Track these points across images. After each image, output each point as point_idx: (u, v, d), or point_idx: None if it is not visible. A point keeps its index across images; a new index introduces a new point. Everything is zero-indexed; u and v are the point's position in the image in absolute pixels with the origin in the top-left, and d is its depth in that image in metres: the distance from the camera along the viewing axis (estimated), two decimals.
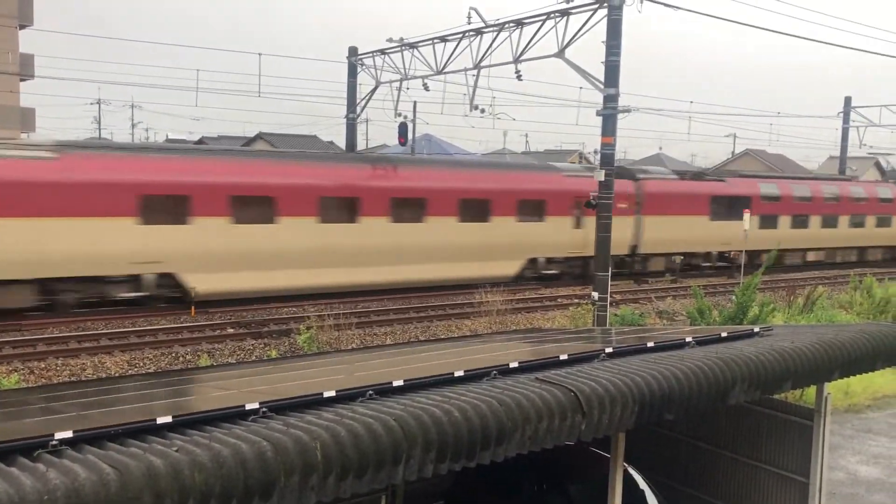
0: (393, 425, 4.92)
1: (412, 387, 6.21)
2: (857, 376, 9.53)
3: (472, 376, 6.59)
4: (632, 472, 9.15)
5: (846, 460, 14.35)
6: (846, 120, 46.95)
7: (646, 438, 10.07)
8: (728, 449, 10.16)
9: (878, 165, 78.70)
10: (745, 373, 7.26)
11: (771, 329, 9.97)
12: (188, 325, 20.54)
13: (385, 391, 6.02)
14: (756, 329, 9.59)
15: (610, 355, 7.65)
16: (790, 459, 9.58)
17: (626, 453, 8.18)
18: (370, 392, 5.90)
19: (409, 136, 35.69)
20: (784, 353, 7.78)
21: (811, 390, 9.64)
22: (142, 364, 17.26)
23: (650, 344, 8.24)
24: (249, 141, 55.79)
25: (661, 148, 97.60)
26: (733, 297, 20.62)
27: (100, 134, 72.76)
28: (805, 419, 9.46)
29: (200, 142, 56.79)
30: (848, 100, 47.12)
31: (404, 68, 27.63)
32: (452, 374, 6.55)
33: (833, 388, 9.63)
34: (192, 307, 21.60)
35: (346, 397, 5.81)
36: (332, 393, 5.78)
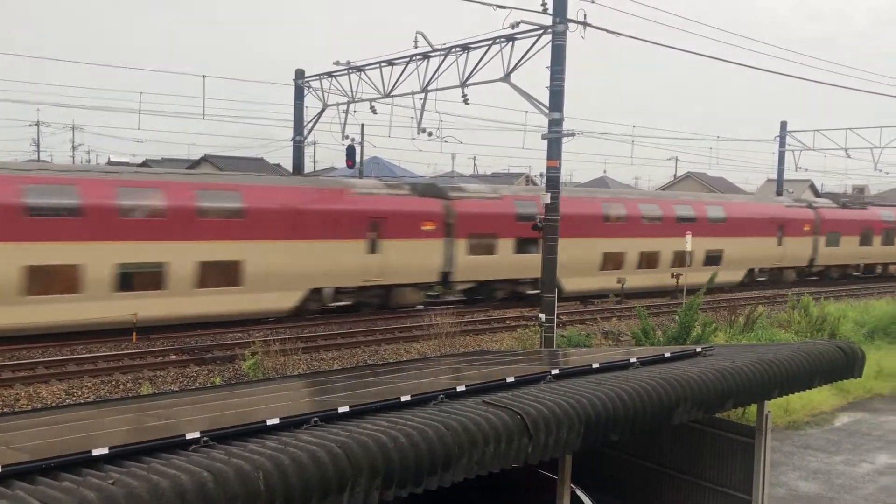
0: (338, 453, 4.85)
1: (358, 413, 6.14)
2: (796, 393, 9.77)
3: (420, 400, 6.56)
4: (579, 493, 9.18)
5: (786, 476, 14.65)
6: (782, 144, 48.50)
7: (592, 459, 10.13)
8: (673, 468, 10.29)
9: (812, 187, 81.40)
10: (688, 393, 7.37)
11: (713, 348, 10.16)
12: (129, 352, 20.01)
13: (330, 418, 5.95)
14: (699, 349, 9.77)
15: (556, 377, 7.70)
16: (733, 477, 9.74)
17: (573, 474, 8.21)
18: (315, 419, 5.82)
19: (357, 158, 35.62)
20: (726, 372, 7.93)
21: (752, 408, 9.82)
22: (80, 393, 16.72)
23: (595, 365, 8.31)
24: (194, 164, 54.97)
25: (605, 171, 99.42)
26: (676, 318, 20.99)
27: (39, 156, 70.88)
28: (746, 437, 9.64)
29: (144, 164, 55.71)
30: (784, 124, 48.71)
31: (351, 91, 27.64)
32: (399, 398, 6.50)
33: (773, 405, 9.86)
34: (134, 333, 21.07)
35: (291, 424, 5.71)
36: (276, 420, 5.68)
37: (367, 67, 26.65)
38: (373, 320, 25.80)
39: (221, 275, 22.47)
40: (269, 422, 5.64)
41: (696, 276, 31.24)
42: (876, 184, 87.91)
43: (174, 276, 21.67)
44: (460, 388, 6.90)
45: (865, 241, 44.38)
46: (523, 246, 29.24)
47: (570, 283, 30.24)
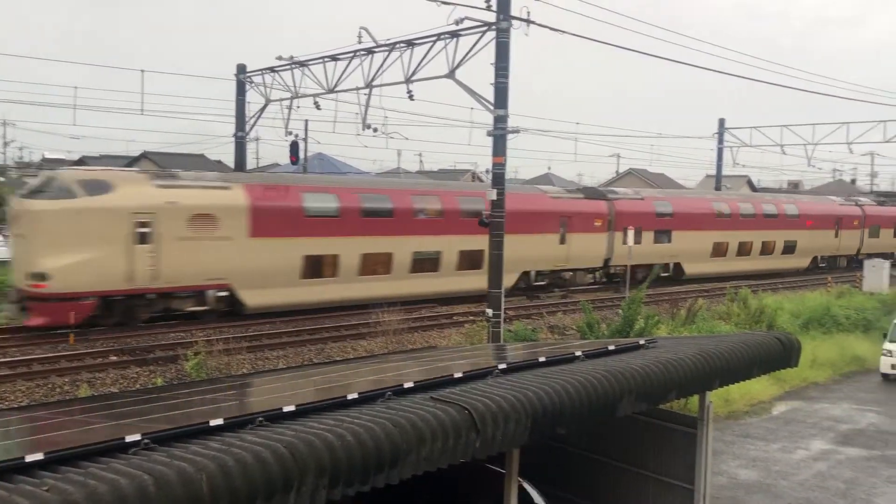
0: (283, 452, 4.78)
1: (304, 412, 6.06)
2: (736, 384, 10.01)
3: (367, 398, 6.50)
4: (526, 487, 9.24)
5: (727, 465, 15.02)
6: (721, 140, 49.64)
7: (539, 453, 10.21)
8: (618, 459, 10.43)
9: (749, 183, 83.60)
10: (632, 385, 7.48)
11: (655, 341, 10.33)
12: (66, 353, 19.42)
13: (276, 417, 5.85)
14: (642, 341, 9.92)
15: (503, 371, 7.72)
16: (676, 467, 9.92)
17: (520, 468, 8.26)
18: (260, 419, 5.72)
19: (301, 154, 35.24)
20: (668, 364, 8.06)
21: (694, 399, 10.02)
22: (12, 397, 16.16)
23: (542, 359, 8.37)
24: (133, 160, 53.64)
25: (549, 168, 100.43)
26: (620, 311, 21.32)
27: None
28: (689, 427, 9.83)
29: (81, 161, 54.13)
30: (722, 122, 49.84)
31: (295, 86, 27.30)
32: (346, 396, 6.44)
33: (714, 396, 10.07)
34: (71, 335, 20.46)
35: (235, 425, 5.61)
36: (220, 421, 5.57)
37: (310, 63, 26.36)
38: (319, 318, 25.57)
39: (469, 260, 28.99)
40: (213, 422, 5.53)
41: (776, 262, 42.67)
42: (809, 179, 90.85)
43: (396, 263, 27.50)
44: (408, 385, 6.87)
45: None
46: (659, 237, 36.28)
47: (689, 268, 37.82)
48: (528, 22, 19.46)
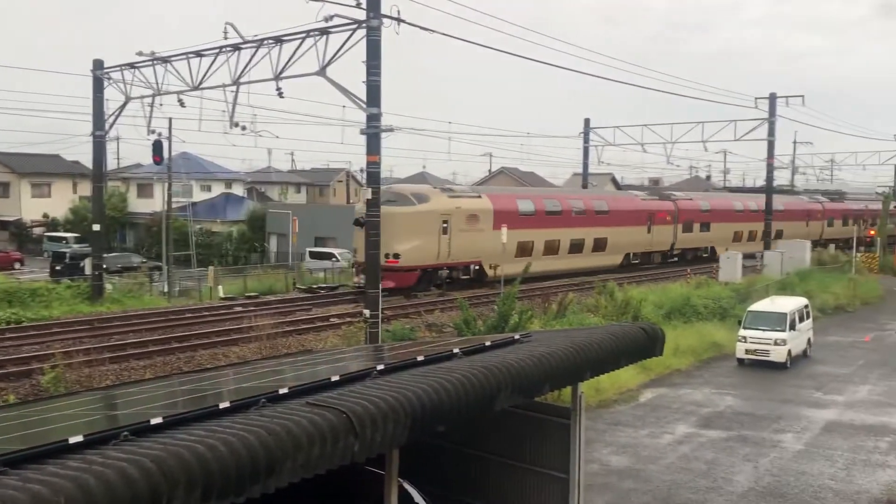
0: (150, 467, 4.51)
1: (173, 423, 5.76)
2: (606, 374, 10.37)
3: (240, 406, 6.26)
4: (407, 487, 9.22)
5: (599, 453, 15.59)
6: (586, 140, 51.54)
7: (419, 452, 10.22)
8: (496, 453, 10.58)
9: (613, 180, 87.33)
10: (508, 379, 7.58)
11: (530, 335, 10.55)
12: None
13: (142, 431, 5.53)
14: (517, 336, 10.11)
15: (381, 372, 7.66)
16: (551, 457, 10.17)
17: (400, 468, 8.23)
18: (125, 433, 5.38)
19: (166, 154, 33.83)
20: (542, 357, 8.24)
21: (567, 390, 10.31)
22: None
23: (420, 358, 8.36)
24: None
25: (424, 167, 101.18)
26: (496, 307, 21.72)
27: None
28: (563, 418, 10.10)
29: None
30: (587, 121, 51.77)
31: (157, 83, 26.16)
32: (218, 405, 6.18)
33: (586, 386, 10.40)
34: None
35: (97, 441, 5.25)
36: (80, 438, 5.20)
37: (173, 59, 25.34)
38: (187, 325, 24.63)
39: (598, 245, 41.89)
40: (72, 440, 5.15)
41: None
42: (668, 176, 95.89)
43: (586, 246, 40.95)
44: (283, 391, 6.68)
45: (845, 223, 65.60)
46: (703, 227, 49.81)
47: (720, 250, 47.30)
48: (399, 20, 19.49)
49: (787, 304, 25.50)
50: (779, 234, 52.20)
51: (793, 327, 24.21)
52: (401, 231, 30.85)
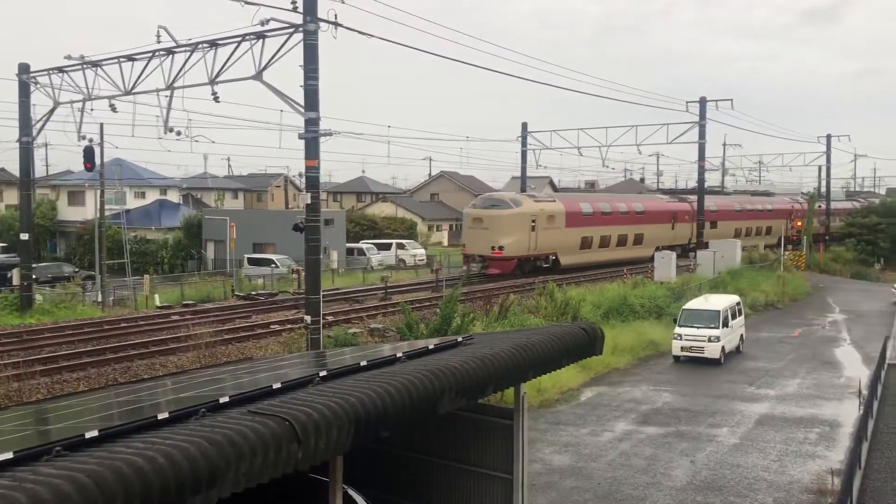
0: (86, 483, 4.39)
1: (110, 436, 5.61)
2: (548, 374, 10.50)
3: (179, 416, 6.14)
4: (351, 493, 9.17)
5: (542, 452, 15.76)
6: (524, 143, 52.07)
7: (364, 458, 10.17)
8: (441, 456, 10.60)
9: (551, 183, 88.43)
10: (452, 382, 7.61)
11: (472, 337, 10.61)
12: None
13: (77, 445, 5.37)
14: (459, 339, 10.15)
15: (324, 378, 7.60)
16: (495, 458, 10.24)
17: (345, 475, 8.18)
18: (58, 448, 5.22)
19: (97, 160, 32.92)
20: (485, 359, 8.30)
21: (510, 391, 10.40)
22: None
23: (363, 363, 8.33)
24: None
25: (363, 171, 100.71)
26: (438, 310, 21.77)
27: None
28: (506, 419, 10.18)
29: None
30: (525, 125, 52.32)
31: (87, 88, 25.44)
32: (156, 416, 6.04)
33: (528, 387, 10.51)
34: None
35: (28, 458, 5.08)
36: (9, 455, 5.02)
37: (104, 63, 24.67)
38: (123, 335, 24.01)
39: (637, 240, 49.80)
40: (1, 457, 4.97)
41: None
42: (604, 179, 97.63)
43: (629, 240, 49.17)
44: (223, 400, 6.57)
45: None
46: (712, 225, 55.01)
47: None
48: (336, 24, 19.39)
49: (720, 302, 26.22)
50: (738, 233, 60.73)
51: (726, 324, 24.90)
52: (503, 229, 40.38)
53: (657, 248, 49.78)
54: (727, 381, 22.28)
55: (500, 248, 40.07)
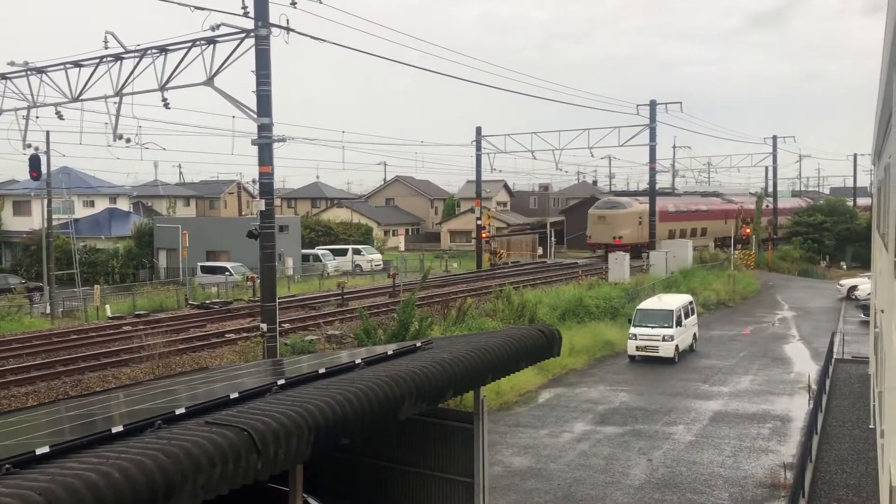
0: (37, 500, 4.28)
1: (62, 451, 5.48)
2: (506, 377, 10.56)
3: (134, 429, 6.03)
4: (312, 502, 9.09)
5: (502, 455, 15.82)
6: (479, 147, 52.28)
7: (324, 465, 10.10)
8: (402, 462, 10.58)
9: (506, 187, 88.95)
10: (412, 387, 7.61)
11: (431, 342, 10.62)
12: None
13: (27, 462, 5.24)
14: (418, 344, 10.15)
15: (282, 387, 7.53)
16: (456, 463, 10.25)
17: (307, 484, 8.10)
18: (7, 466, 5.08)
19: (44, 169, 32.14)
20: (445, 363, 8.31)
21: (469, 395, 10.43)
22: None
23: (322, 370, 8.28)
24: None
25: (318, 177, 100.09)
26: (396, 316, 21.71)
27: None
28: (466, 423, 10.21)
29: None
30: (479, 129, 52.51)
31: (32, 95, 24.78)
32: (110, 430, 5.92)
33: (487, 390, 10.54)
34: None
35: None
36: None
37: (49, 69, 24.06)
38: (73, 347, 23.45)
39: (702, 233, 63.43)
40: None
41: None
42: (557, 182, 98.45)
43: (698, 233, 62.38)
44: (179, 411, 6.47)
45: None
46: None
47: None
48: (288, 30, 19.23)
49: (673, 301, 26.65)
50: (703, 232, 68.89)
51: (679, 323, 25.31)
52: (622, 223, 56.75)
53: (714, 239, 64.76)
54: (682, 380, 22.65)
55: (620, 237, 56.20)
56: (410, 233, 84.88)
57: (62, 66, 23.76)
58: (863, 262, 53.90)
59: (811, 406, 17.61)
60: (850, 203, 73.56)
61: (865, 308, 31.06)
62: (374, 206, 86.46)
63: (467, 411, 10.56)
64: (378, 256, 57.67)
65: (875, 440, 14.79)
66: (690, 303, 27.64)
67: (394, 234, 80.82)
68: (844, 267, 58.97)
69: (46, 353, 22.58)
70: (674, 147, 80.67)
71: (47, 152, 35.67)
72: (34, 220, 53.78)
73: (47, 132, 35.43)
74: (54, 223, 42.11)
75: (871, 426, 16.29)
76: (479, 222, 53.05)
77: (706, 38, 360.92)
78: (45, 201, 39.22)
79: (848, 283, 41.50)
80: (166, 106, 21.89)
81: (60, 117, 25.01)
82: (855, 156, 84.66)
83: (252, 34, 19.12)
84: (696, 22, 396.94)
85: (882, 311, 12.31)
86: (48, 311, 34.15)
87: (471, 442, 10.10)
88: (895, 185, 8.48)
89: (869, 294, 27.18)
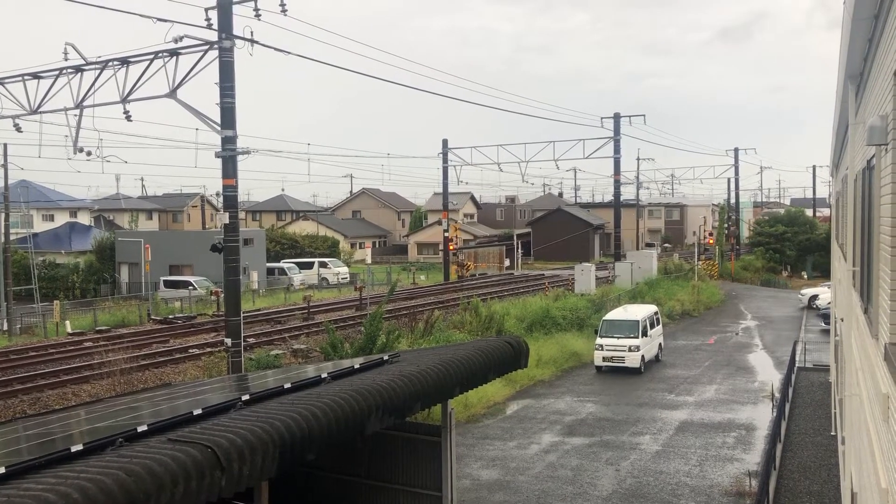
0: None
1: (18, 472, 5.33)
2: (474, 389, 10.53)
3: (94, 448, 5.89)
4: None
5: (470, 467, 15.77)
6: (445, 160, 52.39)
7: (291, 481, 9.96)
8: (369, 477, 10.49)
9: (472, 199, 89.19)
10: (379, 401, 7.55)
11: (399, 355, 10.56)
12: None
13: None
14: (386, 357, 10.09)
15: (247, 403, 7.42)
16: (424, 476, 10.19)
17: (275, 500, 7.98)
18: None
19: (1, 183, 31.50)
20: (412, 377, 8.26)
21: (437, 408, 10.38)
22: None
23: (287, 385, 8.17)
24: None
25: (283, 189, 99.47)
26: (363, 329, 21.57)
27: None
28: (434, 436, 10.15)
29: None
30: (445, 142, 52.63)
31: None
32: (69, 449, 5.78)
33: (455, 402, 10.51)
34: None
35: None
36: None
37: (6, 80, 23.61)
38: (31, 364, 22.91)
39: None
40: None
41: None
42: (524, 194, 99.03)
43: None
44: (142, 429, 6.33)
45: None
46: None
47: None
48: (252, 42, 19.12)
49: (639, 311, 26.88)
50: None
51: (645, 334, 25.53)
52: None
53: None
54: (648, 390, 22.81)
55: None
56: (377, 245, 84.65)
57: (20, 78, 23.34)
58: (823, 272, 55.00)
59: (775, 414, 17.83)
60: (811, 213, 75.04)
61: (826, 317, 31.65)
62: (341, 219, 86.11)
63: (435, 425, 10.50)
64: (345, 269, 57.35)
65: (837, 447, 15.02)
66: (656, 313, 27.89)
67: (360, 247, 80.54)
68: (805, 276, 60.10)
69: (3, 371, 22.03)
70: (638, 159, 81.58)
71: (4, 165, 34.99)
72: None
73: (4, 145, 34.81)
74: (12, 238, 41.24)
75: (833, 433, 16.55)
76: (446, 234, 53.06)
77: (669, 51, 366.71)
78: (3, 215, 38.41)
79: (809, 292, 42.24)
80: (128, 118, 21.60)
81: (19, 130, 24.54)
82: (814, 167, 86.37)
83: (216, 46, 18.97)
84: (659, 36, 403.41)
85: (842, 320, 12.53)
86: (5, 327, 33.37)
87: (439, 455, 10.05)
88: (852, 197, 8.65)
89: (829, 303, 27.68)
